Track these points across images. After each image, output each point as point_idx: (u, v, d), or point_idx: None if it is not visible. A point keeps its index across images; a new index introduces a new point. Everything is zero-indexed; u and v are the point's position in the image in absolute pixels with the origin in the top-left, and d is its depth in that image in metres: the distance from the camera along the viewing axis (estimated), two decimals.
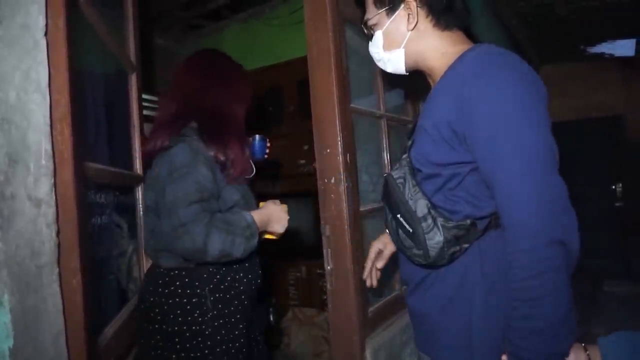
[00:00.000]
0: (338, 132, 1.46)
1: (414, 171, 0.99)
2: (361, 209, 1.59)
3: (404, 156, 1.03)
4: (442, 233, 0.90)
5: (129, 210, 1.40)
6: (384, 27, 1.05)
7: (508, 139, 0.85)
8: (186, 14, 3.44)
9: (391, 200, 1.00)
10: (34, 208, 0.64)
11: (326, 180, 1.49)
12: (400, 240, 0.97)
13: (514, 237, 0.83)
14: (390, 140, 1.87)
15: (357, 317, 1.47)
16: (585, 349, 0.86)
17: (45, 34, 0.67)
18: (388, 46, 1.07)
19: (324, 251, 1.51)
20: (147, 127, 1.51)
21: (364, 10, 1.12)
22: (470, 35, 1.10)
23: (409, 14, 1.02)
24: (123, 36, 1.45)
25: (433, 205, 0.93)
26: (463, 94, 0.89)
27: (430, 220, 0.92)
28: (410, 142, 1.05)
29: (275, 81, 3.19)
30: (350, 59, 1.62)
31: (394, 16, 1.04)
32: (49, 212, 0.66)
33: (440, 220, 0.91)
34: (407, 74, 1.12)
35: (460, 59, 0.98)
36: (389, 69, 1.11)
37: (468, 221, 0.92)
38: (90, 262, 0.80)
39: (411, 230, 0.93)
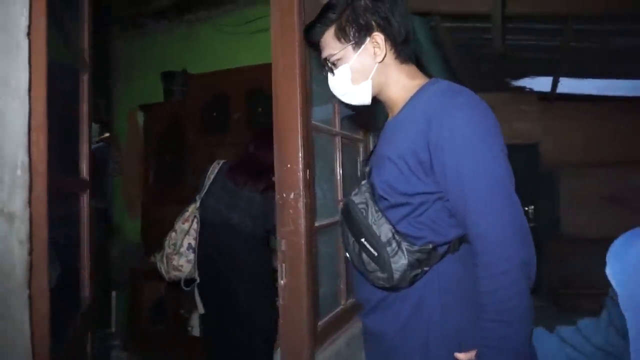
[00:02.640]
0: (300, 148, 1.47)
1: (376, 198, 1.03)
2: (316, 224, 1.61)
3: (364, 182, 1.08)
4: (406, 257, 0.95)
5: (74, 218, 1.31)
6: (351, 61, 1.08)
7: (478, 170, 0.92)
8: (129, 11, 3.29)
9: (354, 225, 1.03)
10: (5, 224, 0.59)
11: (285, 195, 1.49)
12: (364, 264, 1.01)
13: (490, 261, 0.90)
14: (343, 157, 1.91)
15: (308, 331, 1.47)
16: None
17: (28, 35, 0.63)
18: (355, 79, 1.09)
19: (279, 266, 1.50)
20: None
21: (314, 48, 1.17)
22: (420, 68, 1.18)
23: (375, 47, 1.07)
24: (77, 32, 1.36)
25: (397, 231, 0.98)
26: (431, 128, 0.95)
27: (395, 245, 0.96)
28: (368, 169, 1.10)
29: (222, 88, 3.14)
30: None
31: (360, 49, 1.07)
32: (22, 228, 0.61)
33: (405, 245, 0.96)
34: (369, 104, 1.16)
35: (422, 92, 1.05)
36: (355, 101, 1.15)
37: (430, 246, 0.98)
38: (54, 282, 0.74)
39: (376, 254, 0.97)
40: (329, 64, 1.12)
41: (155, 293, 3.31)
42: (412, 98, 1.07)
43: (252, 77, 2.97)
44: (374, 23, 1.05)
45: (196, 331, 3.22)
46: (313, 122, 1.61)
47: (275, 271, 2.43)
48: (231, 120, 3.14)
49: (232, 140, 3.10)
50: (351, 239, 1.04)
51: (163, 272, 2.34)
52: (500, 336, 0.89)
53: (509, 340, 0.89)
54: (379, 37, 1.06)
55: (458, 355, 0.97)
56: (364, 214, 1.02)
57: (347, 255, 1.09)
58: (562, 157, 5.10)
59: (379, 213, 1.00)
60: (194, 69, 3.29)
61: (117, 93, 3.82)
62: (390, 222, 0.99)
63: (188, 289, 2.37)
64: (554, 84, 4.40)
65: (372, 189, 1.05)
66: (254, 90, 3.09)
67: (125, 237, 3.77)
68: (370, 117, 2.16)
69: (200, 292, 2.37)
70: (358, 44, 1.07)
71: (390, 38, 1.07)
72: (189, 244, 2.35)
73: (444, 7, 2.62)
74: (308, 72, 1.56)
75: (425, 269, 1.00)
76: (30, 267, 0.63)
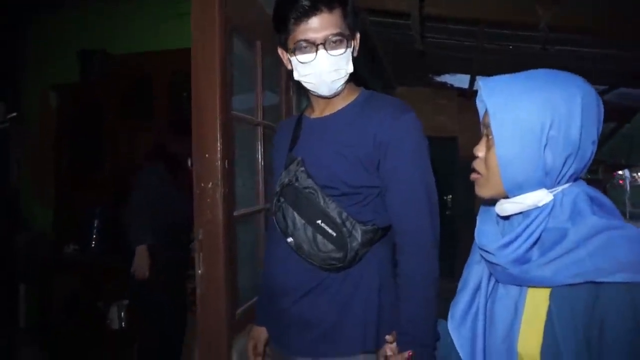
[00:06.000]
0: (218, 138, 1.48)
1: (320, 186, 1.10)
2: (235, 213, 1.62)
3: (301, 169, 1.13)
4: (360, 236, 1.06)
5: None
6: (352, 47, 1.13)
7: (417, 175, 1.08)
8: None
9: (307, 208, 1.10)
10: None
11: (202, 185, 1.49)
12: (317, 246, 1.08)
13: (417, 248, 1.06)
14: (265, 147, 1.94)
15: (226, 320, 1.50)
16: None
17: None
18: (349, 67, 1.13)
19: (196, 255, 1.50)
20: None
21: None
22: None
23: (357, 45, 1.15)
24: None
25: (348, 214, 1.07)
26: (383, 136, 1.08)
27: (349, 225, 1.07)
28: (300, 159, 1.16)
29: (146, 71, 3.01)
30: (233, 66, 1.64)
31: (354, 41, 1.14)
32: None
33: (359, 226, 1.07)
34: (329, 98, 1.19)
35: (365, 101, 1.17)
36: (339, 87, 1.14)
37: (376, 227, 1.09)
38: None
39: (335, 234, 1.06)
40: (328, 43, 1.08)
41: (69, 285, 3.15)
42: (353, 102, 1.17)
43: (179, 60, 2.88)
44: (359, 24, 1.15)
45: (115, 324, 3.12)
46: (234, 112, 1.61)
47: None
48: (155, 104, 3.03)
49: (155, 124, 3.00)
50: (300, 223, 1.10)
51: None
52: (421, 315, 1.04)
53: (426, 318, 1.03)
54: (358, 37, 1.16)
55: (388, 337, 1.06)
56: (315, 197, 1.09)
57: (290, 239, 1.13)
58: None
59: (330, 198, 1.09)
60: (115, 48, 3.11)
61: (28, 70, 3.50)
62: (340, 206, 1.08)
63: None
64: (471, 82, 4.70)
65: (311, 177, 1.12)
66: (179, 75, 3.01)
67: (34, 226, 3.50)
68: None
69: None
70: (354, 35, 1.14)
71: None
72: None
73: (363, 2, 2.70)
74: (229, 65, 1.56)
75: (369, 248, 1.11)
76: None
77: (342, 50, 1.09)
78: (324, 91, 1.14)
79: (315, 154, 1.15)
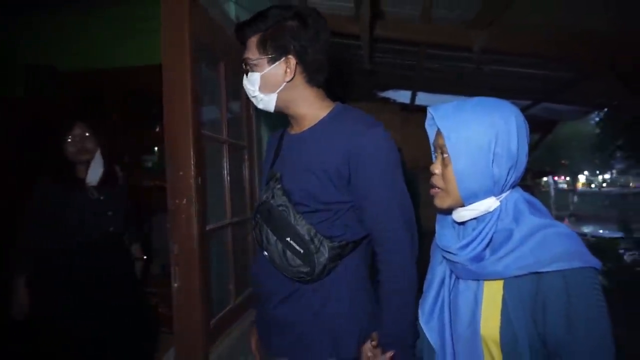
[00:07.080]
0: (192, 156, 1.54)
1: (293, 202, 1.16)
2: (207, 228, 1.69)
3: (278, 186, 1.20)
4: (327, 252, 1.12)
5: None
6: (263, 72, 1.18)
7: (390, 187, 1.13)
8: None
9: (278, 225, 1.16)
10: None
11: (177, 201, 1.55)
12: (287, 260, 1.14)
13: (396, 257, 1.12)
14: (230, 162, 2.01)
15: (202, 331, 1.55)
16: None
17: None
18: (263, 88, 1.19)
19: (172, 269, 1.55)
20: None
21: (241, 46, 1.23)
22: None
23: (287, 68, 1.17)
24: None
25: (316, 230, 1.13)
26: (353, 150, 1.12)
27: (317, 242, 1.13)
28: (279, 175, 1.22)
29: (99, 87, 2.96)
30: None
31: (273, 65, 1.17)
32: None
33: (326, 242, 1.13)
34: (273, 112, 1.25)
35: (336, 115, 1.21)
36: (260, 106, 1.23)
37: (344, 242, 1.16)
38: None
39: (302, 251, 1.12)
40: (245, 65, 1.21)
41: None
42: (324, 118, 1.21)
43: (133, 78, 2.89)
44: (292, 47, 1.16)
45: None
46: (204, 131, 1.68)
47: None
48: (108, 122, 2.98)
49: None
50: (273, 239, 1.17)
51: None
52: (401, 318, 1.11)
53: (407, 321, 1.11)
54: (292, 60, 1.16)
55: (373, 342, 1.13)
56: (286, 215, 1.15)
57: (265, 253, 1.20)
58: (418, 162, 5.81)
59: (300, 215, 1.15)
60: (65, 64, 3.03)
61: None
62: (309, 223, 1.14)
63: None
64: (413, 97, 5.01)
65: (287, 193, 1.18)
66: (133, 92, 3.00)
67: None
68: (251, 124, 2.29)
69: None
70: (273, 59, 1.17)
71: (302, 64, 1.18)
72: None
73: None
74: (199, 84, 1.63)
75: (339, 262, 1.17)
76: None
77: (252, 73, 1.20)
78: (259, 106, 1.25)
79: (291, 170, 1.22)
